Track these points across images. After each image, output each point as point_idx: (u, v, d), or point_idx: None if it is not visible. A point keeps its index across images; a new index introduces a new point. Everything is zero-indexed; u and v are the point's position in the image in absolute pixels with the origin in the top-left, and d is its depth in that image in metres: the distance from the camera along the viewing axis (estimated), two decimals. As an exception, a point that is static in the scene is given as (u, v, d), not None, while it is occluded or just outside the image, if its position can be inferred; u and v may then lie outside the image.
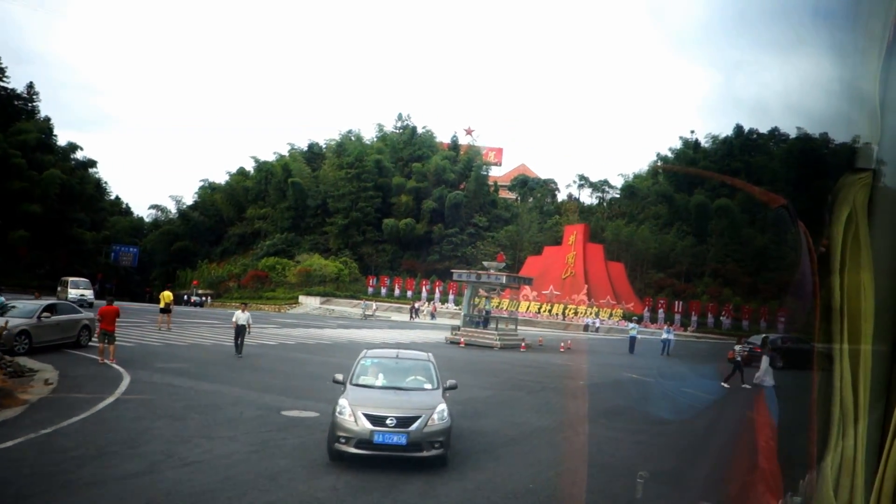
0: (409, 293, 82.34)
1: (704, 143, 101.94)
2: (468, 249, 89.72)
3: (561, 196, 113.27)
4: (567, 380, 22.62)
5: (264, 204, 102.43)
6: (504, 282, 35.20)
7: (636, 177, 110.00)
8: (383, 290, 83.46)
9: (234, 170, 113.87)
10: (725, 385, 22.96)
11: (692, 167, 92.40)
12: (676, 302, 70.30)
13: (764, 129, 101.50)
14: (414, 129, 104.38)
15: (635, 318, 46.69)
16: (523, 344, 34.00)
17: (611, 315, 70.35)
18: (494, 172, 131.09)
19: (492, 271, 36.23)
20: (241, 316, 22.63)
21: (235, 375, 18.77)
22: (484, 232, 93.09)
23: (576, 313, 71.39)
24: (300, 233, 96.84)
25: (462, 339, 34.31)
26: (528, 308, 74.69)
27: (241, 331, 22.47)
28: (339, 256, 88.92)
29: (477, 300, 44.58)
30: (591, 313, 70.70)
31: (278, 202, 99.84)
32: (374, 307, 63.61)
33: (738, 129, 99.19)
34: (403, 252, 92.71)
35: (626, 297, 73.76)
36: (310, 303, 76.99)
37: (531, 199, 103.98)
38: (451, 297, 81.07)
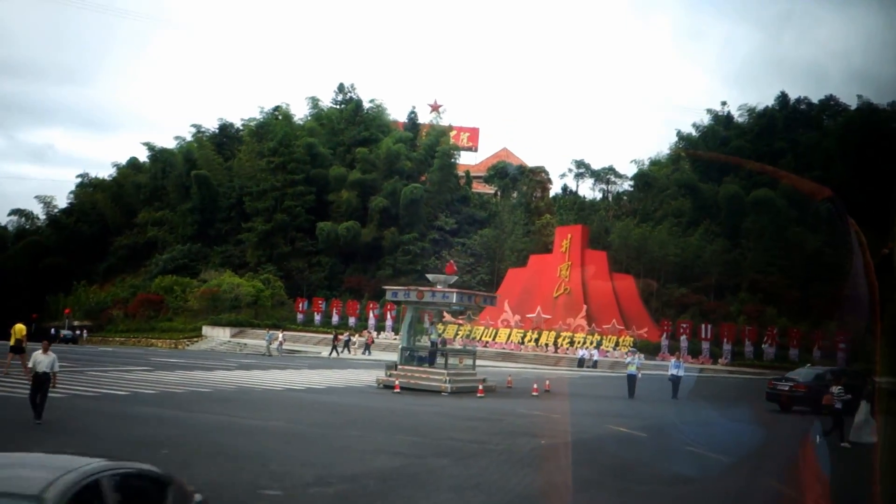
0: (353, 320, 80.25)
1: (739, 116, 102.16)
2: (431, 260, 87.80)
3: (554, 189, 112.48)
4: (523, 438, 20.50)
5: (161, 205, 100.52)
6: (454, 301, 33.10)
7: (653, 163, 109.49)
8: (317, 317, 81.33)
9: (122, 161, 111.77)
10: (846, 444, 21.12)
11: (723, 149, 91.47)
12: (703, 325, 69.11)
13: (816, 98, 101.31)
14: (359, 103, 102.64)
15: (632, 349, 44.57)
16: (481, 387, 31.94)
17: (617, 344, 68.76)
18: (468, 159, 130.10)
19: (438, 287, 34.09)
20: (40, 360, 19.28)
21: (12, 445, 16.33)
22: (452, 237, 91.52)
23: (572, 343, 69.74)
24: (208, 242, 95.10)
25: (397, 382, 32.18)
26: (508, 337, 73.09)
27: (41, 382, 19.23)
28: (258, 273, 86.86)
29: (438, 328, 42.88)
30: (590, 342, 68.92)
31: (179, 202, 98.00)
32: (280, 338, 61.49)
33: (783, 98, 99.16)
34: (345, 266, 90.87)
35: (638, 321, 72.30)
36: (217, 335, 74.77)
37: (515, 194, 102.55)
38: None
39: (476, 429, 21.84)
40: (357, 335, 68.27)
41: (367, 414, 24.28)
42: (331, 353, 60.26)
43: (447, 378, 32.43)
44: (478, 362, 62.12)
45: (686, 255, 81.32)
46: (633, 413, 27.96)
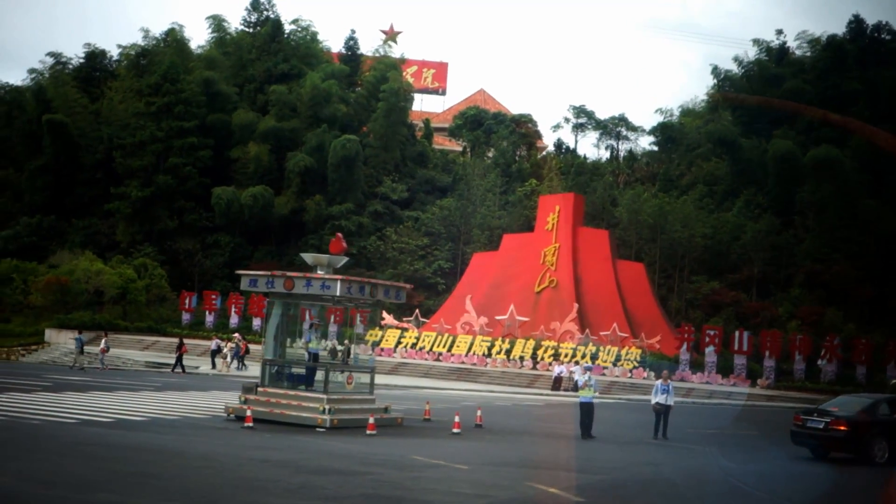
0: (258, 321, 76.99)
1: (797, 49, 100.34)
2: (371, 240, 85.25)
3: (548, 146, 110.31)
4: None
5: (5, 162, 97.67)
6: (338, 292, 29.55)
7: (685, 113, 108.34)
8: (209, 317, 77.99)
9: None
10: None
11: (774, 91, 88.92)
12: (738, 333, 66.29)
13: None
14: (277, 24, 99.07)
15: (586, 364, 40.66)
16: (372, 420, 28.54)
17: (619, 359, 66.10)
18: (432, 105, 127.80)
19: (319, 273, 30.74)
20: None
21: None
22: (402, 210, 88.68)
23: (556, 356, 66.83)
24: (65, 214, 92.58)
25: (249, 413, 28.74)
26: (470, 348, 70.22)
27: None
28: (132, 256, 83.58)
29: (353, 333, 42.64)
30: (583, 354, 66.18)
31: (28, 159, 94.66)
32: (104, 345, 58.11)
33: (857, 24, 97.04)
34: (253, 247, 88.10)
35: (650, 326, 70.73)
36: (65, 341, 71.48)
37: (491, 152, 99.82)
38: (333, 328, 75.84)
39: (315, 491, 18.62)
40: (227, 342, 64.08)
41: (165, 465, 21.09)
42: (176, 367, 56.92)
43: (326, 406, 29.04)
44: (424, 382, 60.15)
45: (720, 236, 79.87)
46: (584, 461, 24.89)
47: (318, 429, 28.75)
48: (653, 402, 31.42)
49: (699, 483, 23.19)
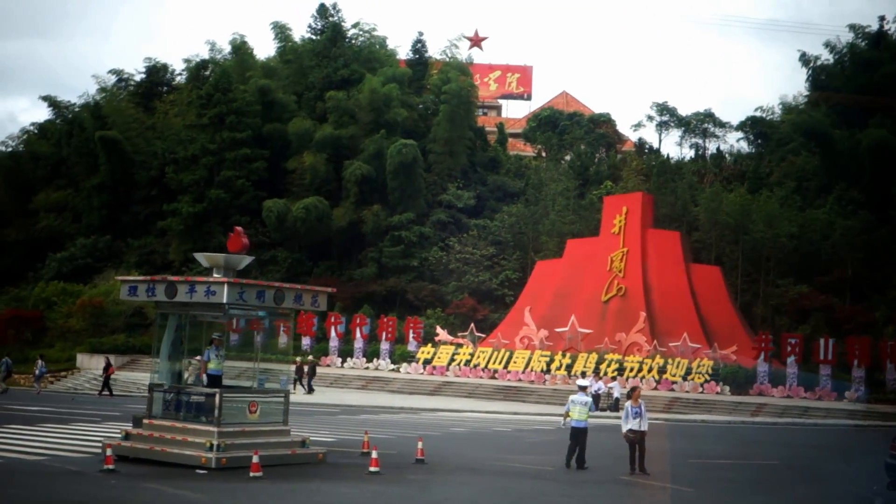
0: (307, 340, 71.88)
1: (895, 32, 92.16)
2: (434, 251, 79.25)
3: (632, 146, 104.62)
4: None
5: (64, 182, 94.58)
6: (225, 298, 23.48)
7: (787, 110, 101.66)
8: (258, 338, 72.30)
9: (26, 123, 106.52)
10: None
11: (868, 76, 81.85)
12: (822, 341, 59.28)
13: None
14: (337, 27, 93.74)
15: (581, 377, 33.33)
16: (255, 459, 22.40)
17: (689, 372, 59.55)
18: (517, 110, 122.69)
19: (215, 276, 24.74)
20: None
21: None
22: (469, 218, 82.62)
23: (620, 370, 60.34)
24: (122, 234, 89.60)
25: (109, 453, 22.83)
26: (528, 364, 64.00)
27: None
28: (184, 275, 79.05)
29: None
30: (649, 367, 60.19)
31: (85, 178, 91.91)
32: (40, 367, 55.92)
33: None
34: (313, 263, 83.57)
35: (726, 335, 64.34)
36: (97, 366, 67.48)
37: (568, 156, 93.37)
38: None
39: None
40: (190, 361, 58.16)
41: None
42: (101, 392, 52.74)
43: (215, 442, 23.09)
44: (462, 404, 53.82)
45: (809, 235, 72.52)
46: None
47: (199, 470, 22.81)
48: (624, 429, 24.27)
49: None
